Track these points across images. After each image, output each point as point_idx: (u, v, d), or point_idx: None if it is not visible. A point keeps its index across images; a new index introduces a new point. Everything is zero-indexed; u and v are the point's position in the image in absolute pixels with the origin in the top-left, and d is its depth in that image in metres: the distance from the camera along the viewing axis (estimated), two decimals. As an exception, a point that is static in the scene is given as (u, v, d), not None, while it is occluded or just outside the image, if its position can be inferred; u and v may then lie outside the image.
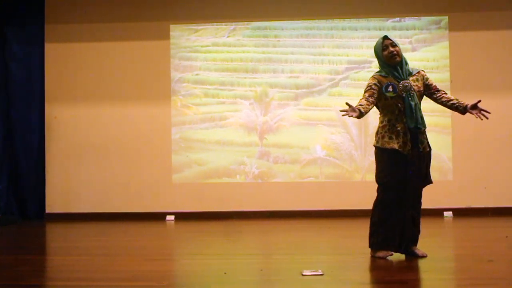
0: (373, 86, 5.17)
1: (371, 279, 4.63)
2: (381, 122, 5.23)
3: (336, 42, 9.09)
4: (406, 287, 4.30)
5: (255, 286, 4.48)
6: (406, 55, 8.65)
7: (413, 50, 8.98)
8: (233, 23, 9.18)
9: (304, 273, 4.52)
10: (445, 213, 8.65)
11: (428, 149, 5.17)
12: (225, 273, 4.72)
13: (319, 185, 8.97)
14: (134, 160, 9.14)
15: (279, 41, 9.15)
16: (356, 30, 9.09)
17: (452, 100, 5.13)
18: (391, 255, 5.16)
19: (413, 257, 5.16)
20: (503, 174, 8.80)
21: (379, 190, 5.21)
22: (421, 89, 5.19)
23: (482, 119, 5.03)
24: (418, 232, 5.23)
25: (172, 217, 8.91)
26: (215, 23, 9.20)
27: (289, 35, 9.15)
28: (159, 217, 8.92)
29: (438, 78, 8.81)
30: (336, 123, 8.94)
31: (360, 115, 4.99)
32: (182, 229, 8.15)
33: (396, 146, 5.06)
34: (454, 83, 8.77)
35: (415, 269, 4.89)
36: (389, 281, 4.46)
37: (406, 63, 5.28)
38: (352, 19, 9.07)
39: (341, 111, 4.98)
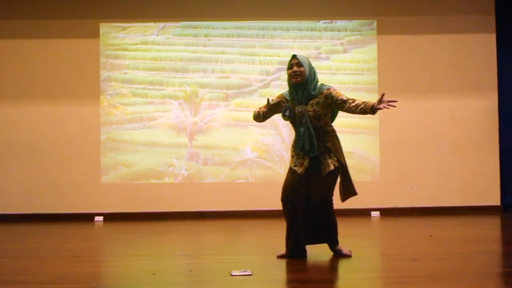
0: (273, 103, 5.43)
1: (299, 279, 4.67)
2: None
3: (268, 42, 9.09)
4: (333, 286, 4.37)
5: (184, 287, 4.48)
6: (337, 57, 8.97)
7: (345, 51, 9.06)
8: (163, 21, 9.10)
9: (233, 273, 4.54)
10: (373, 213, 8.78)
11: (329, 170, 5.15)
12: (154, 274, 4.68)
13: (249, 186, 8.98)
14: (62, 160, 8.95)
15: (209, 40, 9.10)
16: (288, 30, 9.10)
17: (359, 105, 5.01)
18: (279, 256, 5.30)
19: (339, 256, 5.24)
20: (428, 175, 9.00)
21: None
22: (320, 112, 5.15)
23: (389, 108, 4.98)
24: (334, 233, 5.32)
25: (100, 218, 8.77)
26: (144, 22, 9.09)
27: (220, 34, 9.10)
28: (88, 218, 8.76)
29: (368, 80, 8.97)
30: (267, 124, 8.83)
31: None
32: (111, 230, 8.05)
33: (292, 165, 5.31)
34: (381, 86, 8.92)
35: (341, 268, 4.97)
36: (316, 280, 4.52)
37: (314, 82, 5.23)
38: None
39: None
